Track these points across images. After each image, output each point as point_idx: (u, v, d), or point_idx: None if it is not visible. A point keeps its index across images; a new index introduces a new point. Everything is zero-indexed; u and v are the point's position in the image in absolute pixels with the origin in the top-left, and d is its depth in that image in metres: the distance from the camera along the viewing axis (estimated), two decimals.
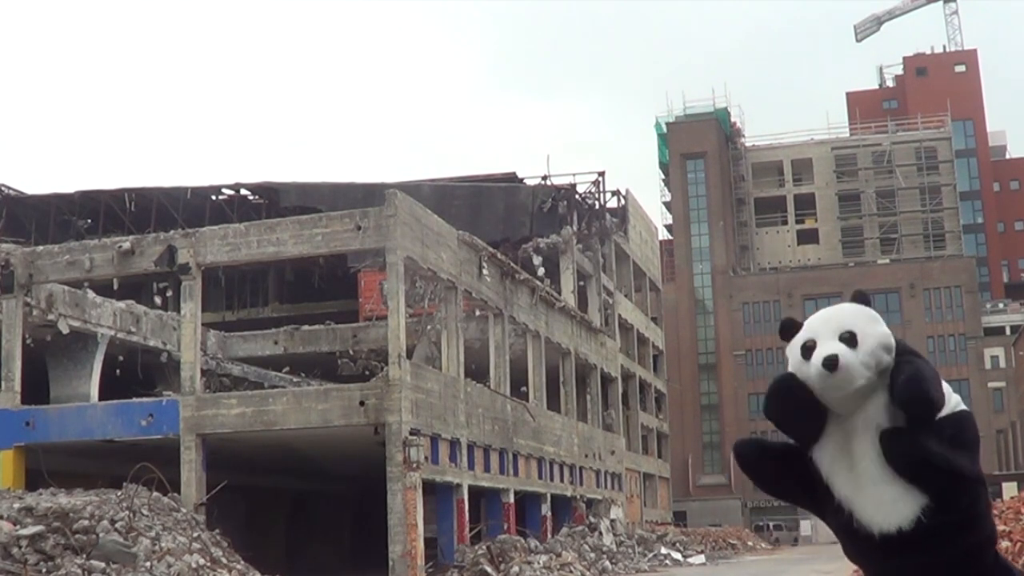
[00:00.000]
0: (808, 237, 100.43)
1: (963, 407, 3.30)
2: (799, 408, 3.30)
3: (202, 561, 22.19)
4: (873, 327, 3.24)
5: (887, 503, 3.21)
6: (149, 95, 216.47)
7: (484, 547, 30.84)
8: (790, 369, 3.33)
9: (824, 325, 3.28)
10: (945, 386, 3.31)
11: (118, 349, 34.51)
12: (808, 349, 3.26)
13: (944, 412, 3.24)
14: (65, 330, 31.99)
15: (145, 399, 31.56)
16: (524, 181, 54.73)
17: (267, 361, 42.65)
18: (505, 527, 35.25)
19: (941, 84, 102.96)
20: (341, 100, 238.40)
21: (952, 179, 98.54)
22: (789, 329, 3.37)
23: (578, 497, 45.62)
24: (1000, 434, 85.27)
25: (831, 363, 3.17)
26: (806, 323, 3.37)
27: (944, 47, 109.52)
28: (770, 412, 3.35)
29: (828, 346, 3.22)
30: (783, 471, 3.40)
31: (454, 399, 32.32)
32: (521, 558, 30.31)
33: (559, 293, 46.74)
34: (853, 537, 3.29)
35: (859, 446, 3.26)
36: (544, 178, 53.32)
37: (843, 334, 3.22)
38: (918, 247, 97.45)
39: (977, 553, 3.24)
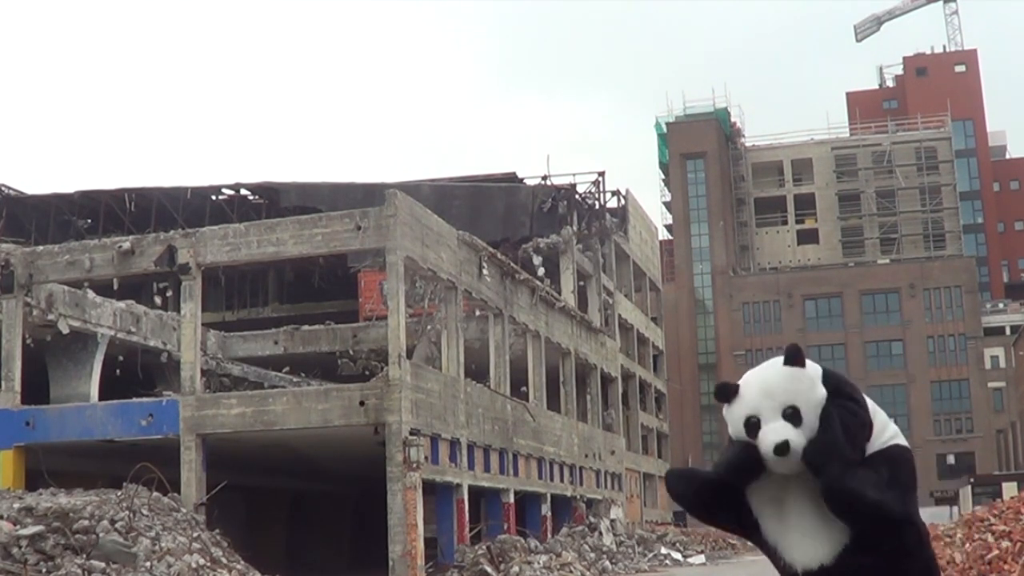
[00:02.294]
0: (808, 237, 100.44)
1: (898, 440, 3.31)
2: (703, 504, 3.41)
3: (202, 561, 22.19)
4: (814, 396, 3.26)
5: (809, 540, 3.26)
6: (149, 95, 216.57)
7: (484, 547, 30.83)
8: (731, 432, 3.36)
9: (768, 401, 3.28)
10: (880, 416, 3.33)
11: (118, 349, 34.51)
12: (752, 426, 3.28)
13: (877, 446, 3.27)
14: (65, 330, 31.99)
15: (145, 399, 31.55)
16: (524, 181, 54.74)
17: (267, 361, 42.65)
18: (505, 527, 35.25)
19: (941, 84, 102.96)
20: (342, 100, 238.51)
21: (952, 179, 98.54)
22: (726, 393, 3.38)
23: (578, 497, 45.62)
24: (1000, 434, 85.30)
25: (782, 450, 3.21)
26: (743, 389, 3.35)
27: (944, 47, 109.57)
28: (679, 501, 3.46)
29: (774, 428, 3.24)
30: (715, 503, 3.41)
31: (454, 399, 32.32)
32: (521, 558, 30.30)
33: (559, 293, 46.74)
34: (781, 571, 3.35)
35: (794, 487, 3.31)
36: (544, 178, 53.34)
37: (787, 411, 3.24)
38: (918, 247, 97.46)
39: None
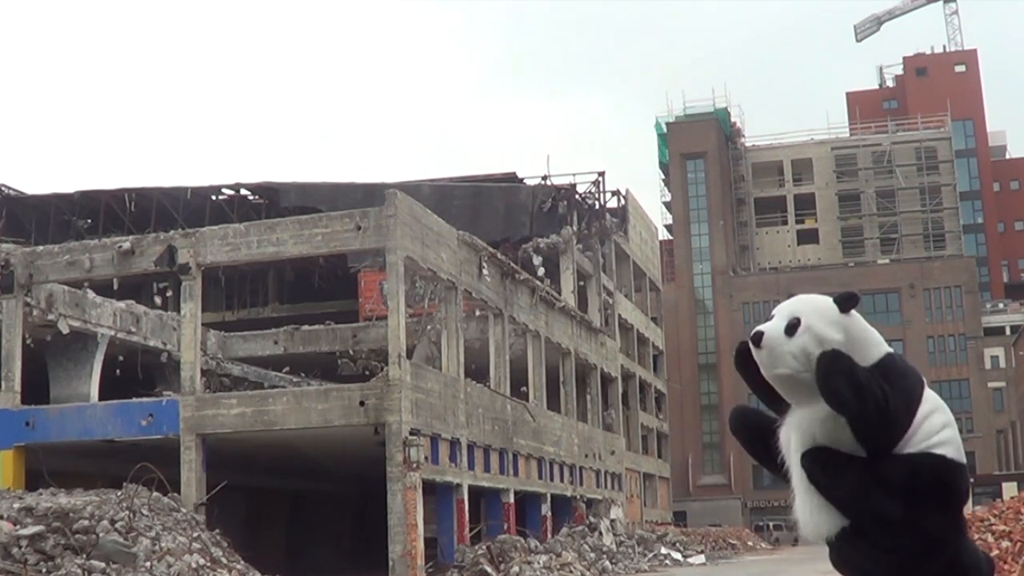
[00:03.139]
0: (808, 237, 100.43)
1: (938, 450, 3.20)
2: (747, 437, 3.43)
3: (202, 561, 22.19)
4: (821, 325, 3.21)
5: (808, 514, 3.26)
6: (149, 95, 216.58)
7: (484, 547, 30.83)
8: None
9: (785, 307, 3.30)
10: (934, 420, 3.25)
11: (118, 349, 34.50)
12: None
13: (911, 447, 3.21)
14: (65, 330, 31.98)
15: (145, 399, 31.54)
16: (524, 181, 54.74)
17: (267, 361, 42.64)
18: (505, 527, 35.25)
19: (941, 84, 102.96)
20: (342, 100, 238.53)
21: (952, 179, 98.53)
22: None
23: (578, 497, 45.61)
24: (1000, 434, 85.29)
25: (756, 337, 3.22)
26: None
27: (944, 47, 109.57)
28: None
29: (770, 323, 3.24)
30: (757, 437, 3.43)
31: (454, 399, 32.32)
32: (521, 558, 30.30)
33: (559, 293, 46.74)
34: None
35: (793, 453, 3.30)
36: (544, 178, 53.34)
37: (791, 319, 3.22)
38: (918, 247, 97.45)
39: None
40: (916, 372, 3.37)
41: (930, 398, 3.33)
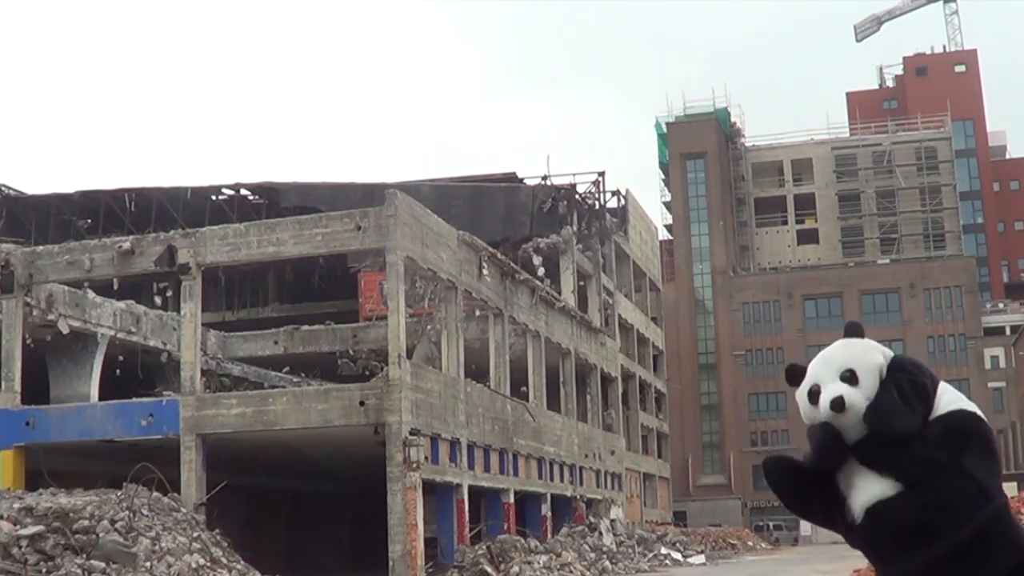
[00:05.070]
0: (808, 237, 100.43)
1: (961, 405, 3.37)
2: (795, 491, 3.47)
3: (202, 561, 22.20)
4: (869, 359, 3.37)
5: (864, 485, 3.34)
6: (149, 95, 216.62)
7: (484, 547, 30.84)
8: (803, 414, 3.46)
9: (825, 368, 3.40)
10: (949, 393, 3.40)
11: (118, 349, 34.50)
12: (814, 395, 3.39)
13: (946, 409, 3.36)
14: (65, 330, 31.98)
15: (145, 399, 31.53)
16: (524, 181, 54.74)
17: (267, 361, 42.65)
18: (505, 527, 35.25)
19: (941, 84, 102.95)
20: (342, 100, 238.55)
21: (952, 179, 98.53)
22: (794, 375, 3.49)
23: (578, 497, 45.61)
24: (1000, 434, 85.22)
25: (837, 405, 3.31)
26: (809, 368, 3.48)
27: (944, 47, 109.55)
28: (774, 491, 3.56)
29: (831, 388, 3.34)
30: (804, 490, 3.50)
31: (454, 399, 32.32)
32: (521, 558, 30.31)
33: (559, 293, 46.74)
34: (862, 538, 3.40)
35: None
36: (544, 178, 53.33)
37: (844, 373, 3.35)
38: (918, 247, 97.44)
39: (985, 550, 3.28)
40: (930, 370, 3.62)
41: (947, 386, 3.54)
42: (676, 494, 79.87)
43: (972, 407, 3.41)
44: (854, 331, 3.46)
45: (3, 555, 19.80)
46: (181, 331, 31.32)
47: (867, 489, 3.36)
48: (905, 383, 3.35)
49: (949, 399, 3.40)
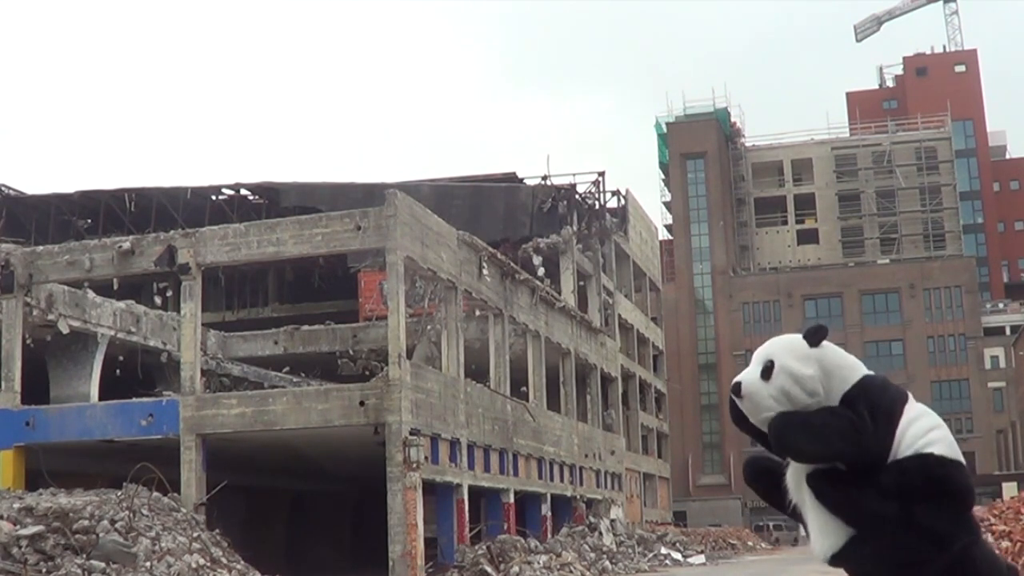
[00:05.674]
0: (808, 237, 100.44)
1: (929, 449, 3.26)
2: (766, 489, 3.54)
3: (202, 561, 22.19)
4: (793, 363, 3.32)
5: (817, 531, 3.35)
6: (149, 95, 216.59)
7: (484, 547, 30.83)
8: None
9: (759, 352, 3.42)
10: (918, 425, 3.32)
11: (118, 349, 34.49)
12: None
13: (906, 451, 3.27)
14: (65, 330, 31.98)
15: (145, 399, 31.52)
16: (524, 181, 54.74)
17: (267, 361, 42.63)
18: (505, 527, 35.24)
19: (941, 84, 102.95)
20: (342, 100, 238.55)
21: (952, 179, 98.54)
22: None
23: (578, 497, 45.61)
24: (1000, 434, 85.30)
25: (735, 388, 3.35)
26: None
27: (944, 47, 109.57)
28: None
29: (744, 372, 3.37)
30: (766, 484, 3.55)
31: (454, 399, 32.31)
32: (521, 558, 30.31)
33: (559, 293, 46.73)
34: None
35: (800, 479, 3.41)
36: (544, 178, 53.32)
37: (766, 363, 3.34)
38: (918, 247, 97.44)
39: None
40: (897, 387, 3.47)
41: (914, 407, 3.41)
42: (676, 494, 79.87)
43: (936, 446, 3.27)
44: (811, 334, 3.38)
45: (3, 555, 19.80)
46: (181, 331, 31.31)
47: (825, 532, 3.33)
48: (827, 417, 3.26)
49: (915, 433, 3.29)
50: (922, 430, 3.31)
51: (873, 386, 3.36)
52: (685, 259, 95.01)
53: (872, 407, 3.29)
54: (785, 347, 3.36)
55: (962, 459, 3.34)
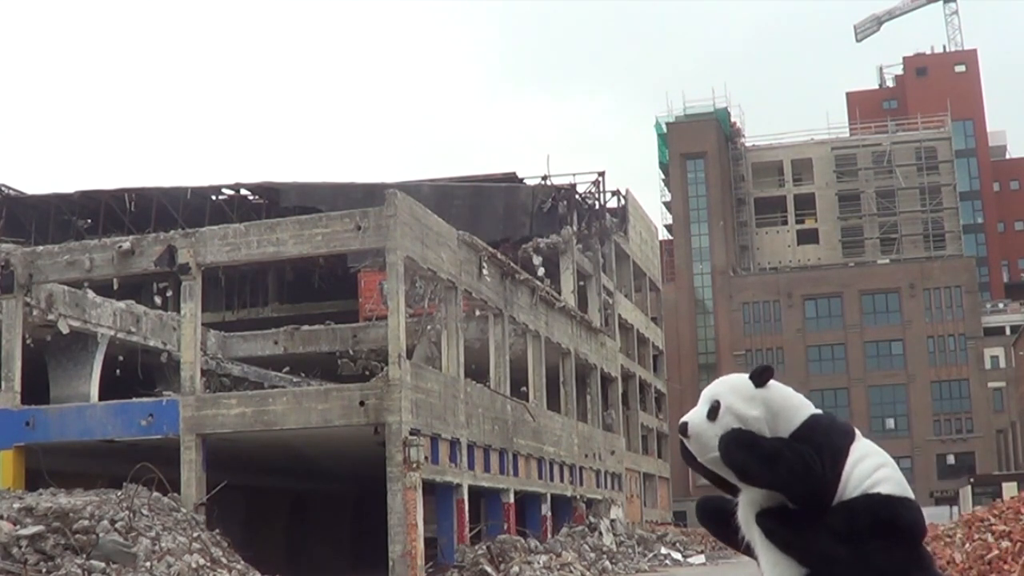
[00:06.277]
0: (808, 237, 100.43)
1: (877, 489, 3.27)
2: (716, 528, 3.60)
3: (202, 561, 22.19)
4: (739, 404, 3.36)
5: (770, 570, 3.37)
6: (149, 95, 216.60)
7: (484, 547, 30.83)
8: None
9: (706, 392, 3.49)
10: (865, 464, 3.32)
11: (118, 349, 34.50)
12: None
13: (848, 494, 3.28)
14: (65, 330, 31.98)
15: (145, 399, 31.52)
16: (524, 181, 54.75)
17: (267, 361, 42.64)
18: (505, 527, 35.24)
19: (941, 84, 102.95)
20: (342, 99, 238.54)
21: (952, 179, 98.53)
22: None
23: (578, 497, 45.61)
24: (1000, 434, 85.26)
25: (682, 429, 3.43)
26: None
27: (944, 47, 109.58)
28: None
29: (691, 412, 3.44)
30: (717, 522, 3.59)
31: (454, 399, 32.31)
32: (521, 558, 30.31)
33: (559, 293, 46.73)
34: None
35: (750, 517, 3.43)
36: (544, 178, 53.34)
37: (712, 404, 3.41)
38: (918, 247, 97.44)
39: None
40: (844, 426, 3.47)
41: (861, 447, 3.42)
42: (676, 494, 79.82)
43: (883, 486, 3.28)
44: (755, 374, 3.40)
45: (3, 555, 19.80)
46: (181, 331, 31.32)
47: (777, 572, 3.34)
48: (778, 446, 3.28)
49: (861, 473, 3.29)
50: (869, 470, 3.32)
51: (819, 426, 3.37)
52: (685, 259, 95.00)
53: (818, 448, 3.30)
54: (731, 388, 3.42)
55: (910, 494, 3.36)
